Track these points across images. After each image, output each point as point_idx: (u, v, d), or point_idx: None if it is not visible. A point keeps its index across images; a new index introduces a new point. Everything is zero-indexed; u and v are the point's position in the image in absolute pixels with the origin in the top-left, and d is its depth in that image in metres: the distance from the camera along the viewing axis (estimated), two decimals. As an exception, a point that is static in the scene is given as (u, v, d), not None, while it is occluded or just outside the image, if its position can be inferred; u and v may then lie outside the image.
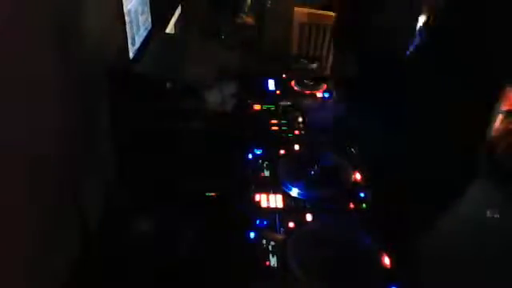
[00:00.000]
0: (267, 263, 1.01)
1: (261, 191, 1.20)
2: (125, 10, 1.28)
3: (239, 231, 1.09)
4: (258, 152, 1.35)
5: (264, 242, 1.05)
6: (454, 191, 1.31)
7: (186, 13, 2.31)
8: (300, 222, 1.11)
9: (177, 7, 2.19)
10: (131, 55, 1.36)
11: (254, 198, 1.18)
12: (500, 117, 1.46)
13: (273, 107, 1.59)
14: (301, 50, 2.60)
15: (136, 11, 1.41)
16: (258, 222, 1.11)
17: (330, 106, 1.59)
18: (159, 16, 1.71)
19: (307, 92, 1.69)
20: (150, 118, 1.41)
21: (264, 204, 1.17)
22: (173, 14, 2.08)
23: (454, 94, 1.23)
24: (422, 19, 1.34)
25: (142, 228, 1.19)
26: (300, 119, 1.53)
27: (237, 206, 1.20)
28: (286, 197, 1.19)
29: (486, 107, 1.29)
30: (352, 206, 1.18)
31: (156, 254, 1.11)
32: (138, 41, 1.44)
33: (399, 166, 1.34)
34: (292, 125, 1.50)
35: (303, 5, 2.59)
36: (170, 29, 1.98)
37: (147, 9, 1.56)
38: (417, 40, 1.33)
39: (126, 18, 1.30)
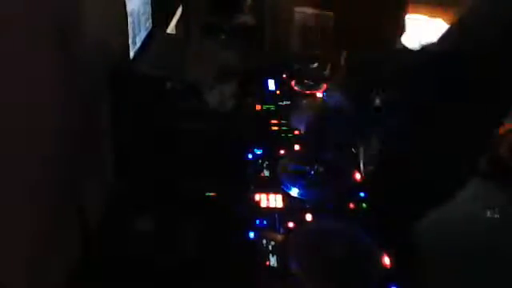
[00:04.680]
0: (267, 263, 1.01)
1: (261, 191, 1.20)
2: (128, 11, 1.28)
3: (239, 231, 1.09)
4: (258, 152, 1.35)
5: (264, 241, 1.05)
6: (455, 191, 1.31)
7: (186, 13, 2.31)
8: (300, 221, 1.11)
9: (177, 7, 2.18)
10: (132, 55, 1.36)
11: (253, 197, 1.18)
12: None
13: (273, 107, 1.59)
14: (301, 50, 2.59)
15: (138, 11, 1.41)
16: (257, 222, 1.11)
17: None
18: (160, 16, 1.71)
19: (307, 92, 1.69)
20: (150, 118, 1.41)
21: (264, 204, 1.17)
22: (173, 14, 2.08)
23: (459, 95, 1.22)
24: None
25: (142, 228, 1.19)
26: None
27: (237, 205, 1.20)
28: (286, 197, 1.19)
29: (496, 108, 1.27)
30: (352, 206, 1.18)
31: (156, 254, 1.11)
32: (139, 41, 1.44)
33: (400, 165, 1.34)
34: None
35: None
36: (170, 29, 1.98)
37: (148, 9, 1.56)
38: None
39: (129, 19, 1.30)
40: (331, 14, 2.59)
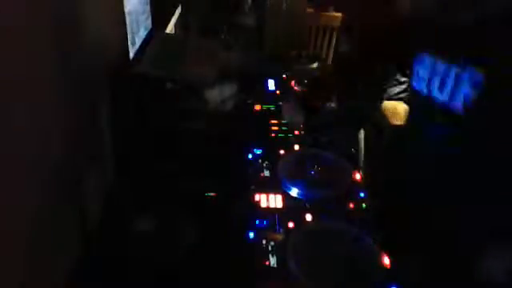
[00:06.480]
0: (267, 263, 1.01)
1: (261, 191, 1.20)
2: (125, 11, 1.29)
3: (239, 231, 1.09)
4: (258, 152, 1.35)
5: (264, 241, 1.05)
6: (453, 191, 1.31)
7: (186, 13, 2.31)
8: (300, 222, 1.11)
9: (177, 7, 2.19)
10: (131, 55, 1.36)
11: (253, 198, 1.18)
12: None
13: (273, 107, 1.59)
14: (301, 50, 2.59)
15: (136, 12, 1.41)
16: (257, 222, 1.11)
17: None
18: (159, 16, 1.71)
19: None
20: (150, 118, 1.41)
21: (264, 204, 1.17)
22: (173, 14, 2.08)
23: None
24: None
25: (142, 228, 1.19)
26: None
27: (237, 205, 1.20)
28: (286, 197, 1.19)
29: None
30: (352, 206, 1.18)
31: (156, 254, 1.11)
32: (139, 41, 1.44)
33: (400, 166, 1.34)
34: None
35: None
36: (169, 29, 1.98)
37: (147, 9, 1.56)
38: None
39: (127, 19, 1.30)
40: (332, 14, 2.59)
